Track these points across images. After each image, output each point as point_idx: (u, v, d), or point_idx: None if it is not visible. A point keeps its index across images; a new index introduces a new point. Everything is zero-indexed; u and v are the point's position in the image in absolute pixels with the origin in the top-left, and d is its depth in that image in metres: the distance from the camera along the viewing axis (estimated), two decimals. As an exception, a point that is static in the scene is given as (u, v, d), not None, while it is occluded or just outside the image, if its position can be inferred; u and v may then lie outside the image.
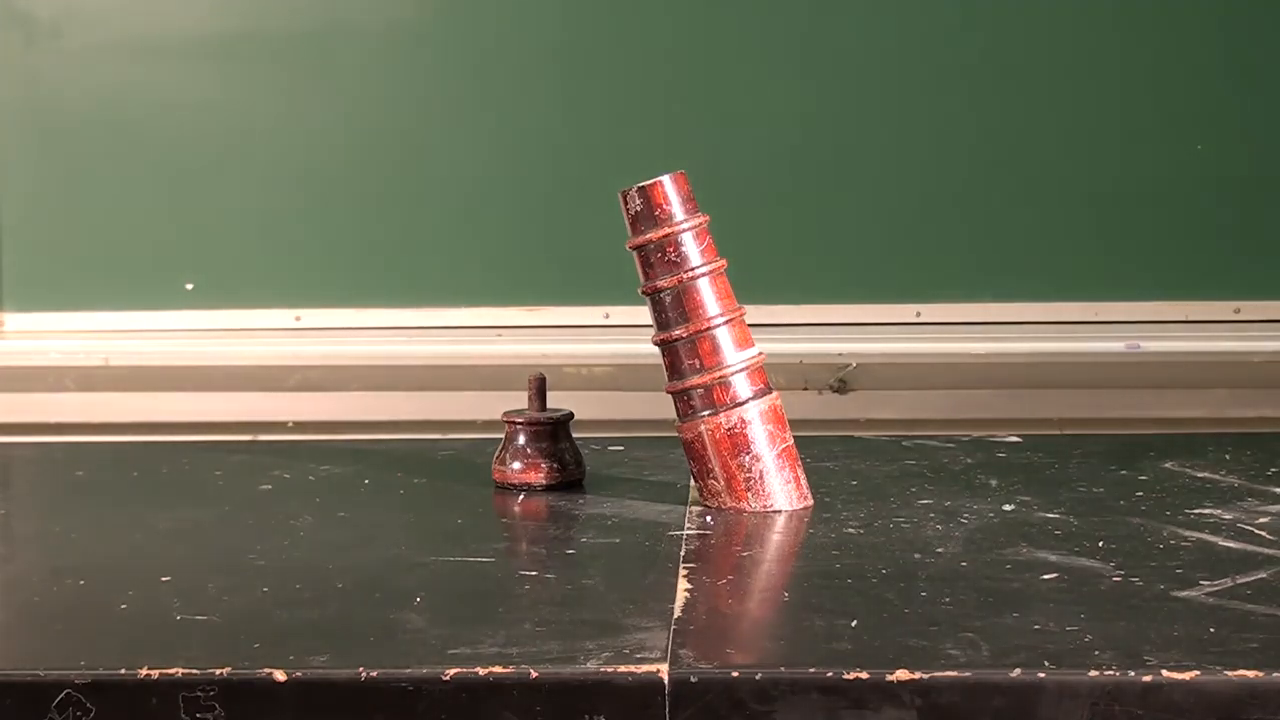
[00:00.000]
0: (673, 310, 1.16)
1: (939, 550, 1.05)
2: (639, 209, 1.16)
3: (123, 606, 0.95)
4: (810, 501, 1.17)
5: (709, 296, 1.16)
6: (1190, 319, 2.22)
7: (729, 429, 1.15)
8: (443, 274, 2.31)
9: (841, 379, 2.22)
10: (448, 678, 0.83)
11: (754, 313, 1.22)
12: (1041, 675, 0.81)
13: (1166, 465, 1.29)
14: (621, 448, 1.40)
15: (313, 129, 2.32)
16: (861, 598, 0.96)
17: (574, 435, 1.26)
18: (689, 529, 1.11)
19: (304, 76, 2.31)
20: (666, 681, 0.82)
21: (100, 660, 0.85)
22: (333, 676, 0.83)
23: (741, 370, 1.16)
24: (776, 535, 1.11)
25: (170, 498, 1.26)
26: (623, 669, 0.83)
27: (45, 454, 1.56)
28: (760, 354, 1.18)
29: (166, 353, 2.33)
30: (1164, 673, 0.81)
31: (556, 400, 1.25)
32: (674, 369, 1.17)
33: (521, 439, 1.23)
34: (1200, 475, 1.25)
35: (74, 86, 2.33)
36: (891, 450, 1.37)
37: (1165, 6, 2.10)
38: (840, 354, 2.21)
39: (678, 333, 1.16)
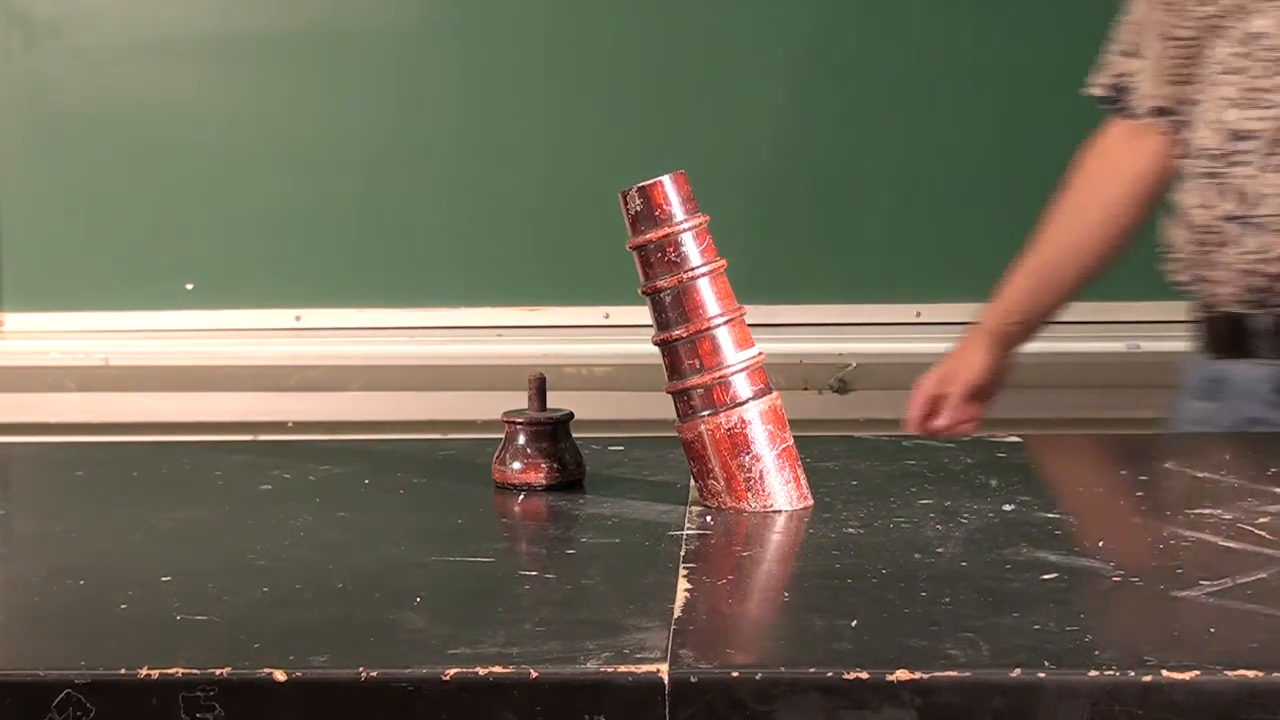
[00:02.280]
0: (673, 310, 1.16)
1: (939, 550, 1.05)
2: (639, 209, 1.16)
3: (123, 606, 0.95)
4: (810, 501, 1.17)
5: (709, 296, 1.16)
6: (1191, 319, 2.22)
7: (729, 429, 1.15)
8: (443, 274, 2.31)
9: (841, 379, 2.22)
10: (448, 678, 0.83)
11: (754, 313, 1.22)
12: (1041, 675, 0.81)
13: (1166, 465, 1.29)
14: (621, 448, 1.40)
15: (313, 130, 2.32)
16: (861, 598, 0.96)
17: (574, 435, 1.25)
18: (689, 529, 1.11)
19: (304, 78, 2.31)
20: (666, 681, 0.82)
21: (100, 660, 0.85)
22: (333, 676, 0.83)
23: (741, 370, 1.16)
24: (776, 535, 1.11)
25: (170, 498, 1.26)
26: (623, 669, 0.83)
27: (45, 454, 1.56)
28: (760, 354, 1.18)
29: (166, 353, 2.33)
30: (1164, 673, 0.81)
31: (556, 400, 1.25)
32: (674, 369, 1.17)
33: (521, 439, 1.23)
34: (1200, 475, 1.25)
35: (74, 86, 2.33)
36: (891, 450, 1.37)
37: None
38: (840, 354, 2.21)
39: (678, 333, 1.16)
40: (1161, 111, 1.75)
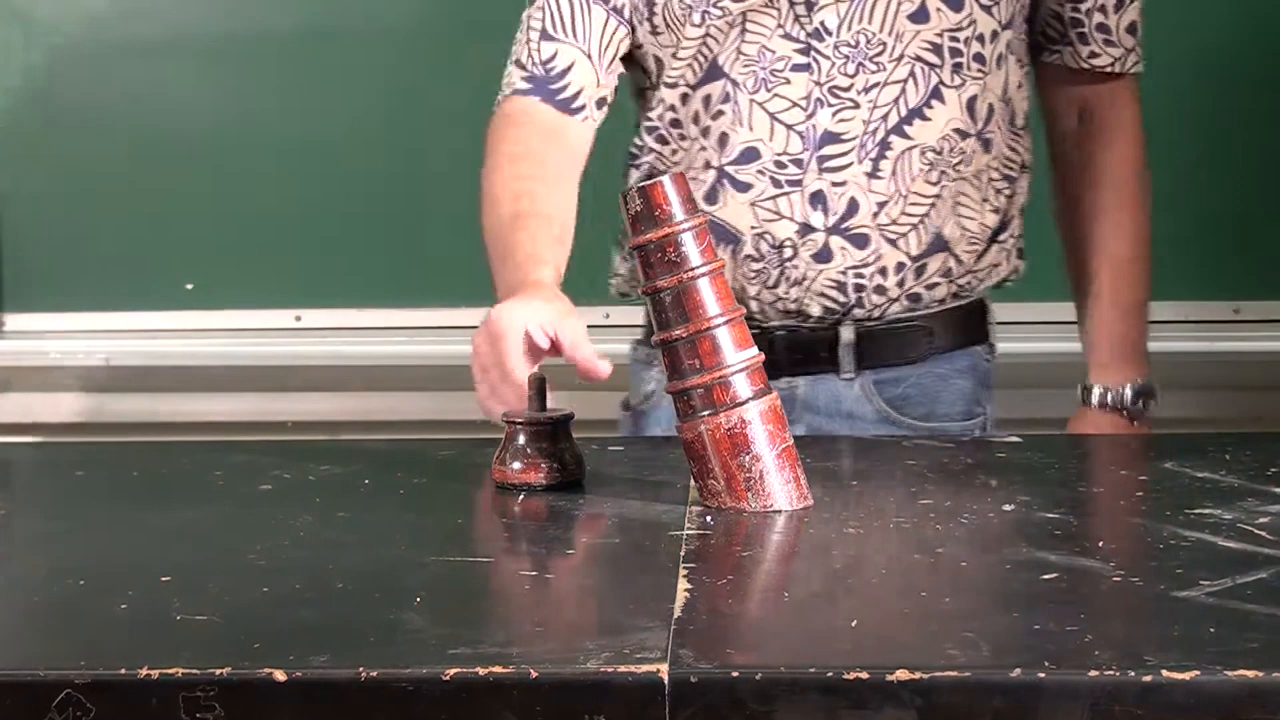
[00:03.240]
0: (673, 310, 1.16)
1: (939, 550, 1.05)
2: (639, 209, 1.16)
3: (123, 606, 0.95)
4: (810, 501, 1.17)
5: (709, 296, 1.16)
6: (1190, 319, 2.22)
7: (729, 429, 1.15)
8: (443, 274, 2.31)
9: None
10: (448, 678, 0.83)
11: (754, 313, 1.22)
12: (1041, 675, 0.81)
13: (1166, 465, 1.29)
14: (621, 448, 1.40)
15: (312, 129, 2.31)
16: (861, 598, 0.96)
17: (574, 435, 1.25)
18: (689, 529, 1.11)
19: (304, 78, 2.31)
20: (666, 681, 0.82)
21: (100, 660, 0.85)
22: (333, 676, 0.83)
23: (741, 370, 1.16)
24: (776, 535, 1.11)
25: (170, 498, 1.26)
26: (623, 669, 0.83)
27: (45, 454, 1.56)
28: (760, 354, 1.18)
29: (166, 353, 2.33)
30: (1164, 673, 0.81)
31: (556, 400, 1.25)
32: (674, 369, 1.17)
33: (521, 439, 1.23)
34: (1200, 475, 1.25)
35: (74, 86, 2.33)
36: (891, 450, 1.37)
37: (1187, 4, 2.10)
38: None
39: (678, 333, 1.16)
40: (601, 103, 1.60)
